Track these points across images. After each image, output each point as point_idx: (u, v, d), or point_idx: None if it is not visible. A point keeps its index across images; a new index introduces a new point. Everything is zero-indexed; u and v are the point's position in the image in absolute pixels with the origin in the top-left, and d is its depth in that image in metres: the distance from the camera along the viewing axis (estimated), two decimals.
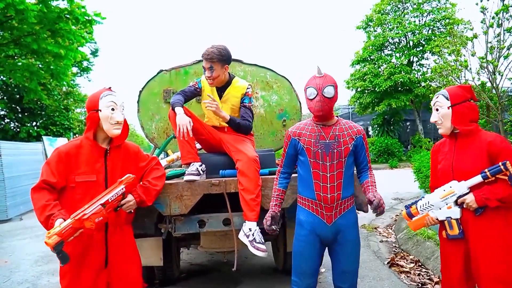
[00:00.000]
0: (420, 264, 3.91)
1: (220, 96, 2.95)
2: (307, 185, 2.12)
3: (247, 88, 2.97)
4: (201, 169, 2.62)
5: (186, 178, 2.49)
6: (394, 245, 4.75)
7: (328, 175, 2.07)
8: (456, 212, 2.09)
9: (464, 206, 2.08)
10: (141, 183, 2.24)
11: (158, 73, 3.97)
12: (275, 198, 2.25)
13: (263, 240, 2.44)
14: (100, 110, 2.08)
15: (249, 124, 2.93)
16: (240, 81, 3.04)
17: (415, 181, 5.57)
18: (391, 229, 5.61)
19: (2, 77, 14.20)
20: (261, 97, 4.02)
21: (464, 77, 5.19)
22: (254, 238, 2.40)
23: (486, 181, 2.00)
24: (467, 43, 5.08)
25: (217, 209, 2.73)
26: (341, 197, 2.09)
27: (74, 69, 18.94)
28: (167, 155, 3.84)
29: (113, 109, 2.09)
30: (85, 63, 19.15)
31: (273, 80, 4.06)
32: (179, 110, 2.63)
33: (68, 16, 10.57)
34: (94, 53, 19.70)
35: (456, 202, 2.09)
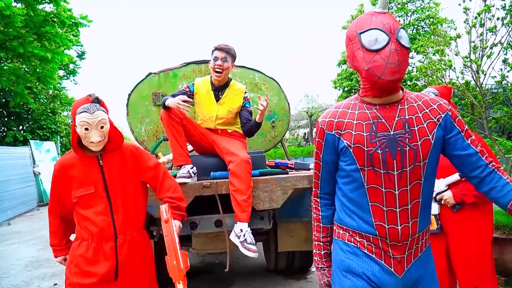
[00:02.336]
0: None
1: (218, 98, 2.99)
2: (359, 210, 1.31)
3: (245, 93, 3.06)
4: (192, 172, 2.65)
5: (177, 180, 2.51)
6: None
7: (397, 192, 1.25)
8: (434, 209, 2.17)
9: (442, 203, 2.18)
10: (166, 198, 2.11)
11: (147, 76, 3.99)
12: (321, 245, 1.48)
13: (254, 241, 2.47)
14: (76, 126, 1.86)
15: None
16: (238, 83, 3.12)
17: None
18: None
19: None
20: (250, 99, 4.05)
21: (449, 76, 5.28)
22: (245, 239, 2.43)
23: (463, 178, 2.09)
24: (450, 43, 5.18)
25: (209, 210, 2.76)
26: (418, 229, 1.28)
27: (61, 72, 18.77)
28: (157, 158, 3.85)
29: (86, 129, 1.84)
30: (71, 66, 18.98)
31: (261, 81, 4.10)
32: (168, 100, 2.67)
33: (54, 19, 10.49)
34: (81, 56, 19.55)
35: (434, 199, 2.18)
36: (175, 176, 2.60)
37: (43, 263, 4.73)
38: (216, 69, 2.88)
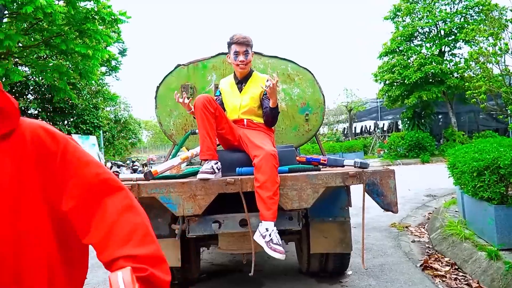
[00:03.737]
0: (456, 267, 3.64)
1: (240, 89, 2.93)
2: None
3: (267, 81, 2.86)
4: (217, 167, 2.48)
5: (199, 176, 2.36)
6: (427, 245, 4.48)
7: None
8: None
9: None
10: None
11: (175, 67, 3.87)
12: None
13: (280, 241, 2.27)
14: None
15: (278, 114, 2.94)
16: (260, 74, 3.02)
17: (449, 177, 5.24)
18: (423, 228, 5.32)
19: (33, 77, 14.63)
20: (282, 90, 3.85)
21: (504, 62, 4.82)
22: (271, 239, 2.24)
23: None
24: (507, 25, 4.71)
25: (235, 208, 2.59)
26: None
27: (103, 69, 19.35)
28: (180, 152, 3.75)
29: None
30: (113, 63, 19.50)
31: (294, 72, 3.88)
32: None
33: (95, 16, 10.71)
34: (122, 52, 20.06)
35: None
36: (197, 172, 2.45)
37: None
38: (241, 65, 2.84)
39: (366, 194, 2.38)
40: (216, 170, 2.47)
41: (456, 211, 5.43)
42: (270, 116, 2.81)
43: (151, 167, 2.96)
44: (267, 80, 2.58)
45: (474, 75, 16.19)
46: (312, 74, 3.88)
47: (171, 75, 3.85)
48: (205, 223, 2.45)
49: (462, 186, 4.57)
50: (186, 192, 2.33)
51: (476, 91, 6.51)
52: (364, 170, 2.39)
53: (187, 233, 2.46)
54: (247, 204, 2.39)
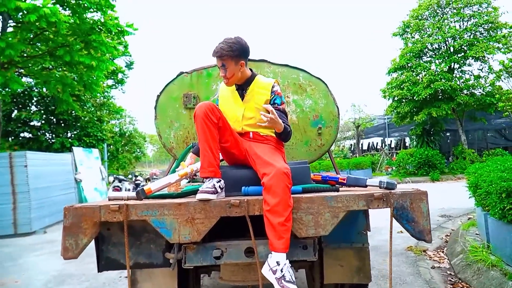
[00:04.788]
0: None
1: (242, 96, 2.55)
2: None
3: (273, 86, 2.53)
4: (219, 186, 2.14)
5: (198, 196, 2.02)
6: (449, 272, 4.08)
7: None
8: None
9: None
10: None
11: (178, 75, 3.58)
12: None
13: (294, 278, 1.92)
14: None
15: (290, 129, 2.51)
16: (264, 78, 2.63)
17: (470, 197, 4.87)
18: (442, 252, 4.92)
19: (37, 88, 14.47)
20: (293, 101, 3.54)
21: None
22: (283, 275, 1.88)
23: None
24: None
25: (240, 232, 2.24)
26: None
27: (109, 82, 19.27)
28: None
29: None
30: (119, 76, 19.43)
31: (306, 82, 3.57)
32: None
33: (101, 27, 10.55)
34: (129, 65, 19.99)
35: None
36: (197, 190, 2.11)
37: (65, 279, 4.40)
38: (224, 80, 2.50)
39: (394, 219, 2.03)
40: (219, 190, 2.13)
41: (477, 234, 5.06)
42: (281, 137, 2.48)
43: (153, 182, 2.65)
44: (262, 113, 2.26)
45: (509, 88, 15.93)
46: (326, 84, 3.58)
47: (172, 84, 3.55)
48: (204, 252, 2.10)
49: (485, 208, 4.21)
50: (183, 215, 1.99)
51: (510, 103, 6.15)
52: (392, 191, 2.05)
53: (183, 264, 2.10)
54: (254, 227, 2.04)
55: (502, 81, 13.41)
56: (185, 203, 2.00)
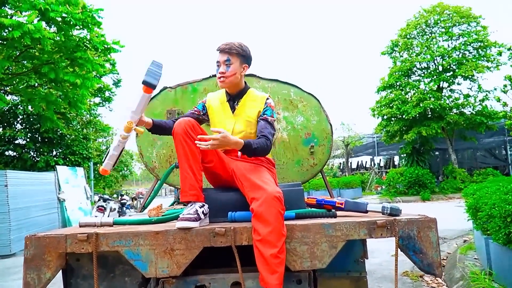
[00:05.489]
0: None
1: (233, 109, 2.34)
2: None
3: (267, 99, 2.34)
4: (203, 211, 1.91)
5: (178, 224, 1.78)
6: None
7: None
8: None
9: None
10: None
11: (161, 90, 3.36)
12: None
13: None
14: None
15: (266, 144, 2.16)
16: (257, 92, 2.43)
17: (468, 220, 4.68)
18: (440, 277, 4.69)
19: (22, 106, 14.13)
20: (284, 118, 3.34)
21: None
22: None
23: None
24: None
25: (226, 261, 2.00)
26: None
27: (97, 99, 19.03)
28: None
29: None
30: (107, 93, 19.24)
31: (298, 98, 3.38)
32: None
33: (87, 45, 10.36)
34: (117, 83, 19.81)
35: None
36: (177, 217, 1.87)
37: None
38: (220, 78, 2.26)
39: (399, 250, 1.81)
40: (202, 216, 1.89)
41: (475, 259, 4.85)
42: (248, 154, 2.14)
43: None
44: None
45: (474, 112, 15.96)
46: (318, 100, 3.39)
47: (155, 99, 3.34)
48: (185, 287, 1.84)
49: (486, 232, 4.02)
50: (160, 246, 1.75)
51: None
52: (396, 218, 1.83)
53: None
54: (242, 255, 1.81)
55: (508, 96, 13.38)
56: (163, 231, 1.76)
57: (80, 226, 2.06)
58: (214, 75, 3.38)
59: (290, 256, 1.77)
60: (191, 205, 1.91)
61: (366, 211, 2.03)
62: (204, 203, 1.96)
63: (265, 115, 2.28)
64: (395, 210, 1.90)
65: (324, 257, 1.77)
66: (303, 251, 1.78)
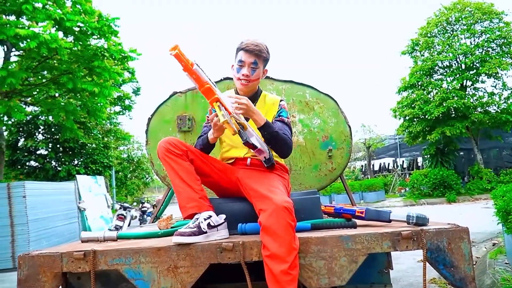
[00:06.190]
0: None
1: None
2: None
3: (281, 100, 2.22)
4: (209, 223, 1.74)
5: (175, 239, 1.63)
6: None
7: None
8: None
9: None
10: None
11: (171, 96, 3.25)
12: None
13: None
14: None
15: (289, 139, 2.06)
16: (271, 95, 2.30)
17: (499, 223, 4.41)
18: None
19: (43, 116, 14.37)
20: (299, 121, 3.17)
21: None
22: None
23: None
24: None
25: (235, 275, 1.85)
26: None
27: (117, 108, 19.25)
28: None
29: None
30: (127, 102, 19.47)
31: (314, 99, 3.21)
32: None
33: (104, 53, 10.45)
34: (136, 91, 20.04)
35: None
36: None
37: None
38: (243, 81, 2.09)
39: (427, 264, 1.62)
40: (206, 228, 1.70)
41: (506, 263, 4.56)
42: (270, 143, 2.01)
43: None
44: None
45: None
46: (335, 101, 3.22)
47: (165, 105, 3.23)
48: None
49: None
50: (163, 263, 1.60)
51: None
52: (423, 228, 1.64)
53: None
54: (254, 270, 1.65)
55: None
56: (165, 248, 1.61)
57: (82, 242, 1.94)
58: (226, 78, 3.25)
59: (305, 273, 1.60)
60: (195, 218, 1.76)
61: (389, 220, 1.83)
62: (211, 214, 1.80)
63: (280, 116, 2.16)
64: (421, 219, 1.70)
65: (343, 273, 1.59)
66: (320, 267, 1.60)
